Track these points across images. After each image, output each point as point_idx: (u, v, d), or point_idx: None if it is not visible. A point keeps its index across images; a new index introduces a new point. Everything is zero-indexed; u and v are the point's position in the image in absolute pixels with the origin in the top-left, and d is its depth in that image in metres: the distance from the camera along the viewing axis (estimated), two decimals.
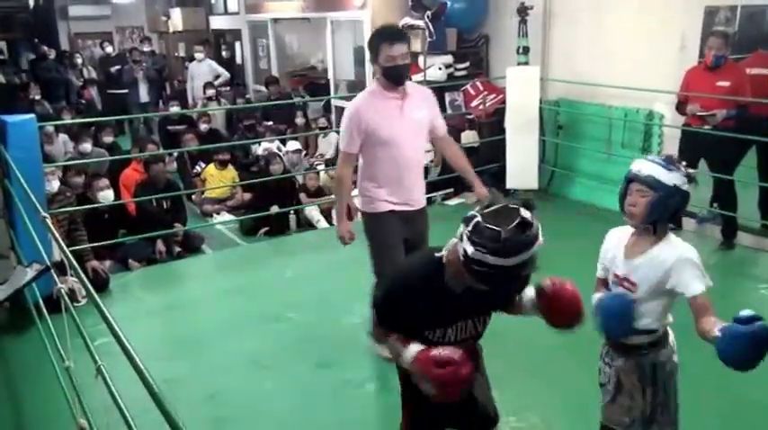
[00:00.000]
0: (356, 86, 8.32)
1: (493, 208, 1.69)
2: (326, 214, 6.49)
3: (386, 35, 3.16)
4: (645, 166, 2.01)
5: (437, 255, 1.87)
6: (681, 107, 5.11)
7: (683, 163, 2.04)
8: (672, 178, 1.98)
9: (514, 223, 1.63)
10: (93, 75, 11.55)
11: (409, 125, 3.20)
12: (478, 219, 1.67)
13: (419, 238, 3.36)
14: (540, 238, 1.67)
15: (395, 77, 3.16)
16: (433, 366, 1.73)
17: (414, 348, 1.81)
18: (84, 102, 10.66)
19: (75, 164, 6.46)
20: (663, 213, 2.04)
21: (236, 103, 9.28)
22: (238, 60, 11.43)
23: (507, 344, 3.27)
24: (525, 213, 1.66)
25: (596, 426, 2.31)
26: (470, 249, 1.65)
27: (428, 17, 6.79)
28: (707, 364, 3.50)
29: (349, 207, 3.57)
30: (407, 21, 7.10)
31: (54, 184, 4.99)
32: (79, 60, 11.58)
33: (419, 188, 3.36)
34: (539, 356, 3.55)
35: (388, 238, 3.31)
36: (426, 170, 6.73)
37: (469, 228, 1.67)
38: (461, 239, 1.70)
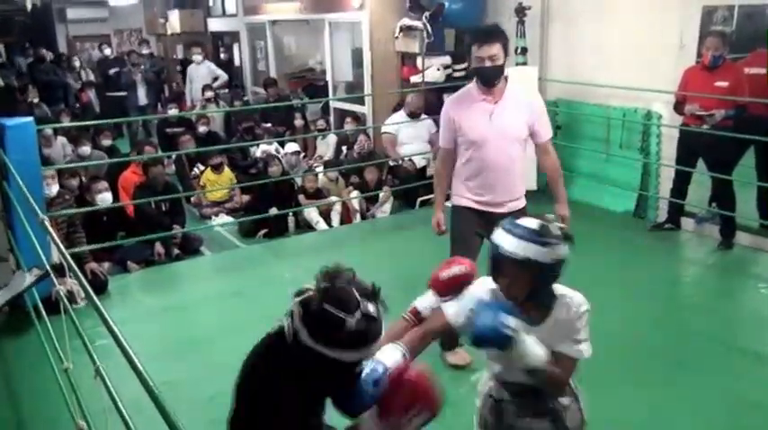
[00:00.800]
0: (354, 88, 8.34)
1: (334, 284, 1.50)
2: (325, 216, 6.49)
3: (475, 36, 3.12)
4: (517, 245, 1.68)
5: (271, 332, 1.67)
6: (678, 107, 5.12)
7: (551, 219, 1.77)
8: (550, 254, 1.68)
9: (353, 313, 1.45)
10: (92, 77, 11.54)
11: (497, 129, 3.14)
12: (312, 298, 1.49)
13: None
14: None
15: (482, 79, 3.12)
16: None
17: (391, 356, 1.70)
18: (80, 105, 10.65)
19: (74, 166, 6.47)
20: (547, 286, 1.79)
21: (234, 105, 9.27)
22: (237, 62, 11.43)
23: None
24: (368, 306, 1.48)
25: None
26: (303, 333, 1.48)
27: (426, 18, 6.79)
28: (707, 365, 3.53)
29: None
30: (405, 22, 7.11)
31: (53, 188, 5.00)
32: (77, 63, 11.58)
33: (507, 192, 3.25)
34: None
35: (462, 230, 3.34)
36: (424, 175, 6.81)
37: (303, 310, 1.49)
38: (292, 317, 1.53)
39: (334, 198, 6.64)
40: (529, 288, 1.74)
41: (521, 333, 1.67)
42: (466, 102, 3.22)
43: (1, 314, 4.18)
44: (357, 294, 1.48)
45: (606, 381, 2.88)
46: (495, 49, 3.04)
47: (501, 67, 3.08)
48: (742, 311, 4.32)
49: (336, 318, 1.43)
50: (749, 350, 3.63)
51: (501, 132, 3.14)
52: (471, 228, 3.30)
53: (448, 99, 3.35)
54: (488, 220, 3.15)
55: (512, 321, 1.65)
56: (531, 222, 1.72)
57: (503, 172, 3.21)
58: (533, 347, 1.69)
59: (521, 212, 3.13)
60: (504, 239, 1.71)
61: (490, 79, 3.10)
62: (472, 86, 3.22)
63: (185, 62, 10.94)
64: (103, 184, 5.52)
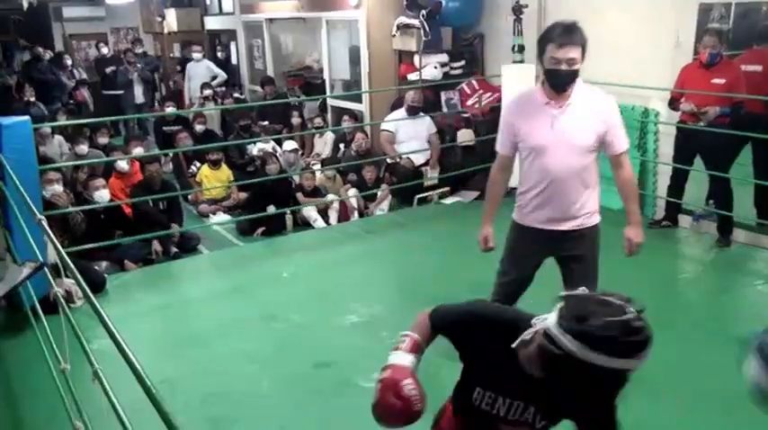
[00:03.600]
0: (351, 86, 8.33)
1: (593, 296, 1.39)
2: (323, 214, 6.49)
3: (555, 34, 2.77)
4: None
5: (530, 320, 1.50)
6: (674, 104, 5.13)
7: None
8: None
9: (624, 317, 1.31)
10: (85, 76, 11.51)
11: (559, 136, 2.82)
12: (579, 297, 1.39)
13: (573, 261, 2.97)
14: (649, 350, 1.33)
15: (554, 83, 2.81)
16: (392, 392, 1.60)
17: (403, 359, 1.66)
18: (74, 103, 10.62)
19: (70, 165, 6.47)
20: None
21: (224, 104, 9.26)
22: (234, 61, 11.41)
23: None
24: (630, 310, 1.33)
25: None
26: (558, 328, 1.35)
27: (423, 16, 6.79)
28: (706, 361, 3.53)
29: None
30: (403, 20, 7.11)
31: (57, 188, 5.02)
32: (69, 62, 11.54)
33: (567, 207, 2.90)
34: None
35: (516, 248, 3.08)
36: (422, 173, 6.82)
37: (567, 313, 1.35)
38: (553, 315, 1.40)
39: (331, 196, 6.64)
40: None
41: None
42: (528, 105, 2.92)
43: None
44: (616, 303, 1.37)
45: None
46: (576, 52, 2.75)
47: (577, 72, 2.78)
48: (739, 308, 4.33)
49: (608, 319, 1.33)
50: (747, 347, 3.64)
51: (562, 140, 2.82)
52: (528, 247, 3.02)
53: (509, 101, 3.06)
54: (549, 237, 2.94)
55: None
56: None
57: (562, 184, 2.86)
58: None
59: (588, 231, 2.94)
60: None
61: (563, 85, 2.80)
62: (537, 88, 2.94)
63: (184, 60, 10.92)
64: (101, 182, 5.53)
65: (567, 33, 2.76)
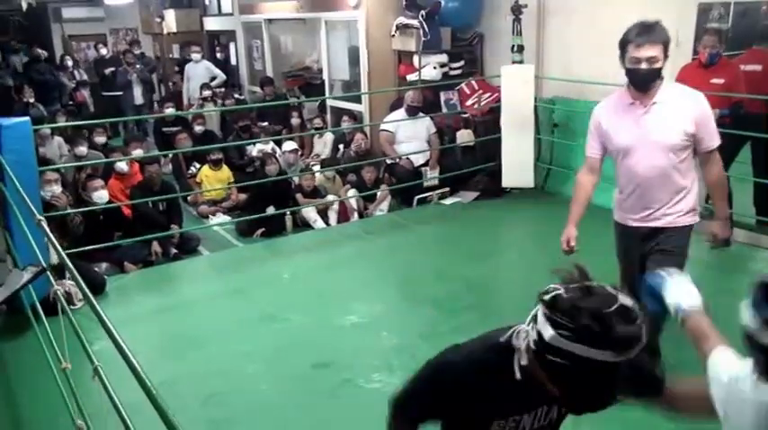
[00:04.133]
0: (351, 86, 8.33)
1: (580, 285, 1.32)
2: (323, 214, 6.49)
3: (636, 33, 2.79)
4: None
5: (501, 340, 1.46)
6: None
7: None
8: None
9: (615, 307, 1.26)
10: (85, 77, 11.51)
11: (644, 135, 2.85)
12: (563, 294, 1.31)
13: (660, 253, 2.97)
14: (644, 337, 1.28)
15: (635, 82, 2.83)
16: None
17: None
18: (73, 104, 10.62)
19: (70, 166, 6.47)
20: None
21: (225, 104, 9.26)
22: (233, 61, 11.41)
23: None
24: (625, 299, 1.29)
25: None
26: (550, 332, 1.28)
27: (422, 16, 6.80)
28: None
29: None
30: (402, 20, 7.11)
31: (56, 189, 5.02)
32: (70, 63, 11.55)
33: (657, 206, 2.95)
34: None
35: (620, 250, 3.19)
36: (422, 173, 6.83)
37: (551, 308, 1.29)
38: (535, 322, 1.33)
39: (331, 197, 6.64)
40: None
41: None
42: (614, 106, 2.98)
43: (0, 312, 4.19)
44: (605, 290, 1.34)
45: None
46: (657, 50, 2.75)
47: (659, 70, 2.79)
48: (738, 308, 4.33)
49: (594, 311, 1.28)
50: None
51: (648, 139, 2.85)
52: (628, 246, 3.11)
53: (598, 105, 3.09)
54: (645, 236, 3.00)
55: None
56: None
57: (649, 183, 2.91)
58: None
59: (680, 230, 2.97)
60: None
61: (644, 83, 2.81)
62: (622, 90, 2.96)
63: (183, 61, 10.92)
64: (99, 182, 5.53)
65: (646, 32, 2.78)
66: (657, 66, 2.76)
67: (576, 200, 3.15)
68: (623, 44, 2.82)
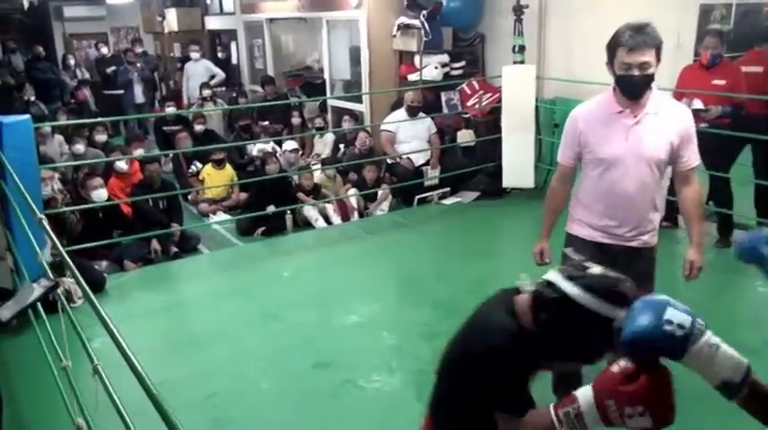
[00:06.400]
0: (352, 86, 8.33)
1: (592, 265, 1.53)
2: (324, 214, 6.48)
3: (625, 37, 2.55)
4: None
5: (509, 325, 1.56)
6: None
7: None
8: None
9: (615, 275, 1.50)
10: (87, 76, 11.51)
11: (633, 148, 2.61)
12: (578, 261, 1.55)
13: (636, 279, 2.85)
14: None
15: (626, 90, 2.58)
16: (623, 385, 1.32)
17: (582, 392, 1.37)
18: (75, 102, 10.62)
19: (70, 164, 6.47)
20: None
21: (239, 102, 9.27)
22: (234, 61, 11.42)
23: None
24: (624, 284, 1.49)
25: None
26: (564, 283, 1.47)
27: (424, 16, 6.80)
28: None
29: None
30: (403, 20, 7.12)
31: (55, 186, 5.01)
32: (72, 61, 11.54)
33: (632, 224, 2.72)
34: None
35: None
36: (423, 173, 6.83)
37: (566, 268, 1.52)
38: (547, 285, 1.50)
39: (332, 196, 6.64)
40: None
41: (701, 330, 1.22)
42: (597, 113, 2.71)
43: (9, 327, 4.18)
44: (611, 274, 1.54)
45: None
46: (649, 54, 2.52)
47: (652, 76, 2.55)
48: (739, 309, 4.33)
49: (605, 275, 1.53)
50: (746, 347, 3.62)
51: (637, 153, 2.61)
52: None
53: (575, 109, 2.83)
54: (608, 253, 2.69)
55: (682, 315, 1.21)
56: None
57: (629, 199, 2.68)
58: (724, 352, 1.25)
59: (652, 250, 2.79)
60: None
61: (636, 91, 2.57)
62: (607, 96, 2.71)
63: (184, 60, 10.92)
64: (98, 181, 5.52)
65: (638, 35, 2.55)
66: (650, 71, 2.53)
67: (551, 210, 2.96)
68: (612, 48, 2.60)
